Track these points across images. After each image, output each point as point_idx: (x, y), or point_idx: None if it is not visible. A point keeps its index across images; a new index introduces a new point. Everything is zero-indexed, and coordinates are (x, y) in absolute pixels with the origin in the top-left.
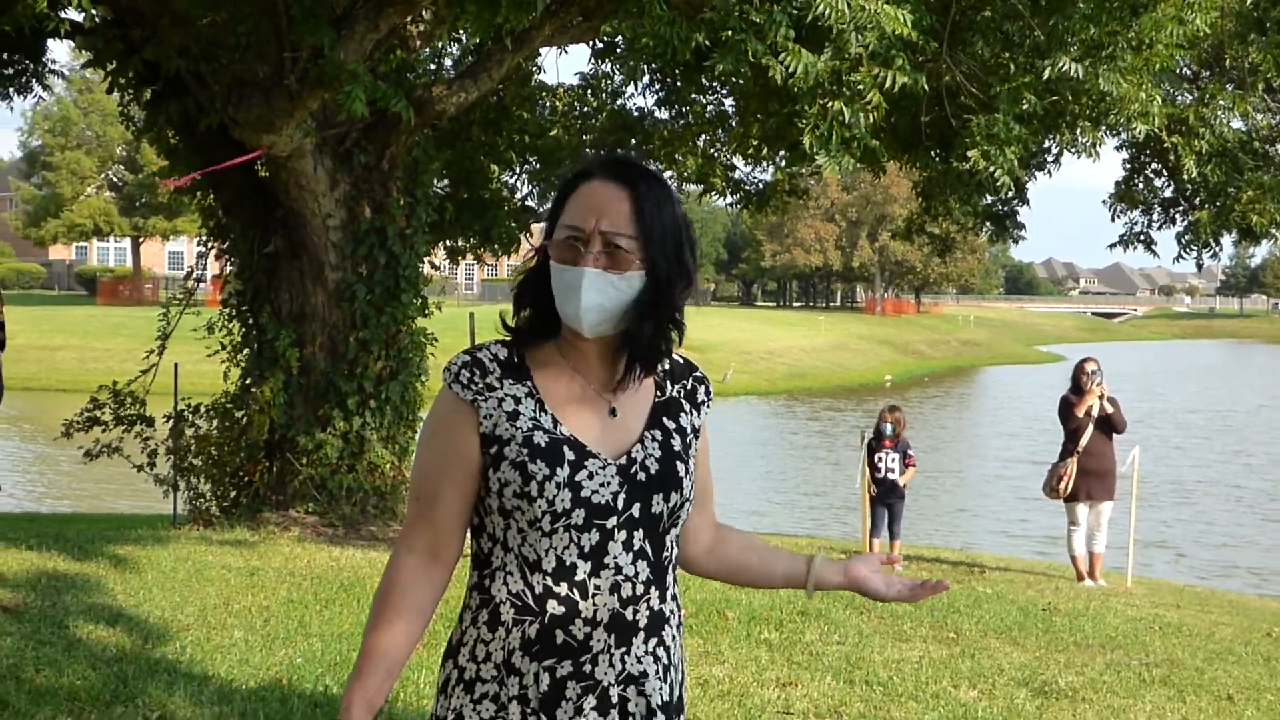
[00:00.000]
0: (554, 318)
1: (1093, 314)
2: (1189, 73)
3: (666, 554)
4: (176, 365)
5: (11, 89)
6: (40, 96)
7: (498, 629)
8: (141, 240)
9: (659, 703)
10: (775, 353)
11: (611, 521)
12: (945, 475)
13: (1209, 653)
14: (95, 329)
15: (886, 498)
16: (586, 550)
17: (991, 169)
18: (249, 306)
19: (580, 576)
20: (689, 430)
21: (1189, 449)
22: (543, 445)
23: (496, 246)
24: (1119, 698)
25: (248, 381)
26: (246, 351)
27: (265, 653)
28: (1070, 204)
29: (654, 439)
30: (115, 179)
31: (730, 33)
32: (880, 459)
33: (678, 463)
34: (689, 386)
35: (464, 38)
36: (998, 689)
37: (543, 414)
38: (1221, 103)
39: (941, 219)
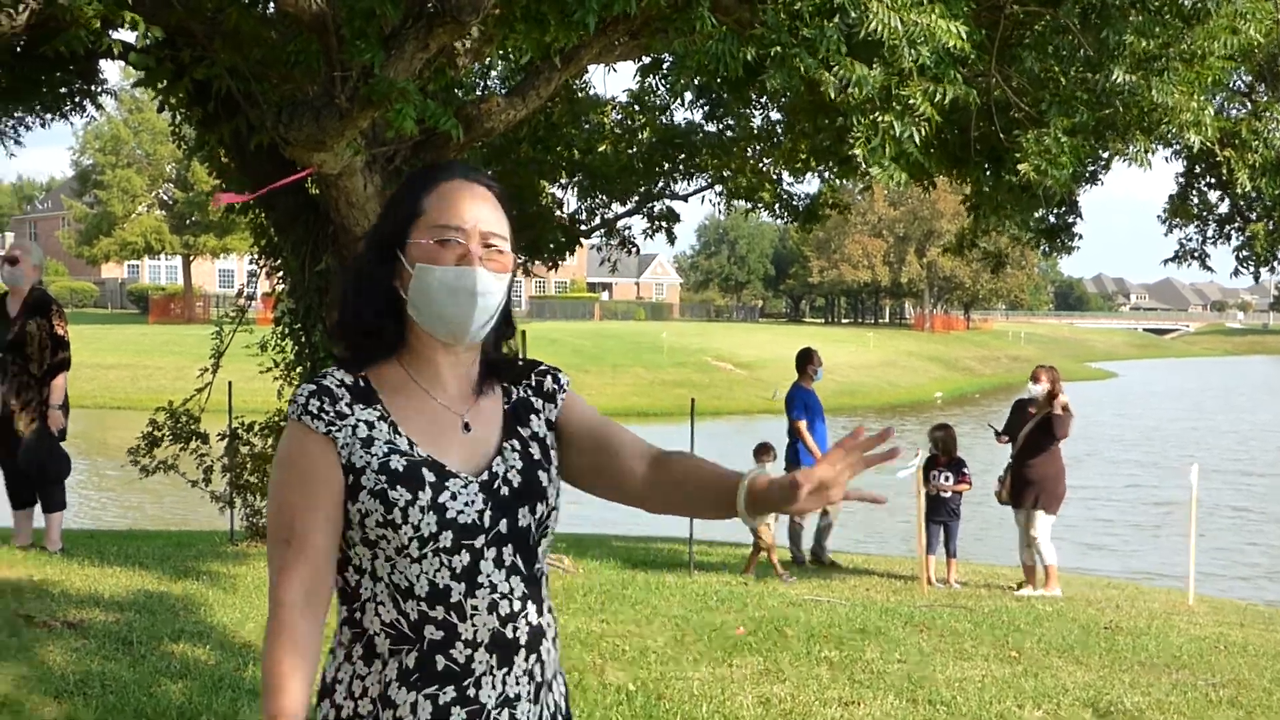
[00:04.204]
0: (391, 333)
1: (1144, 330)
2: (1243, 85)
3: (538, 566)
4: (230, 384)
5: (66, 108)
6: (92, 116)
7: (374, 662)
8: (192, 258)
9: None
10: (824, 370)
11: (480, 540)
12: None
13: (1276, 673)
14: (147, 347)
15: (941, 516)
16: (458, 571)
17: (1045, 181)
18: (301, 324)
19: (456, 598)
20: (545, 432)
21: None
22: (401, 470)
23: (546, 256)
24: (1186, 719)
25: None
26: (299, 369)
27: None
28: (1121, 218)
29: (513, 449)
30: (166, 197)
31: (781, 48)
32: (934, 477)
33: (539, 472)
34: (534, 382)
35: (512, 56)
36: (1063, 709)
37: (397, 437)
38: (1276, 116)
39: (995, 232)
